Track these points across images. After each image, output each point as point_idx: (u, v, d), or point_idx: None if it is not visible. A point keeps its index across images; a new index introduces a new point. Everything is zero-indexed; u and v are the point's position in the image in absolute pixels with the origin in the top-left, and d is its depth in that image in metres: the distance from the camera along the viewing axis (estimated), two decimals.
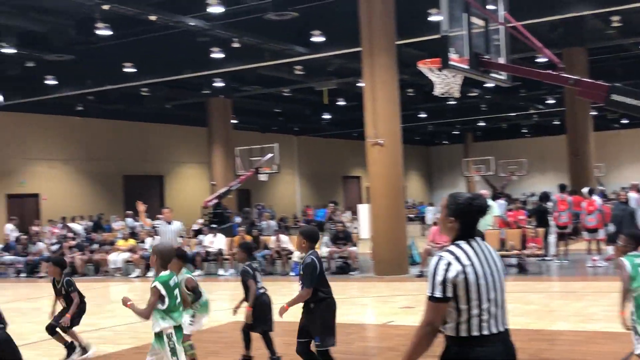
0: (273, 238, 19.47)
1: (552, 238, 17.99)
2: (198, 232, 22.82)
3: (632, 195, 16.39)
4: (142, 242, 20.85)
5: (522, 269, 16.07)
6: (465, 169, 47.31)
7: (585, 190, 18.56)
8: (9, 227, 26.71)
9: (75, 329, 9.51)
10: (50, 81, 25.58)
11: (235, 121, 35.21)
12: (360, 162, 27.65)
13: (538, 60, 24.75)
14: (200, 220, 25.22)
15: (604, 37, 26.40)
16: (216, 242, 19.79)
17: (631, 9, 20.53)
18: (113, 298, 16.71)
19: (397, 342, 9.68)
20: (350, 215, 29.57)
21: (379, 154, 16.79)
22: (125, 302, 6.12)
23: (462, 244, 3.63)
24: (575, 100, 25.00)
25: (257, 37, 21.38)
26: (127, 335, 10.14)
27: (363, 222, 21.21)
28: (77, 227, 26.96)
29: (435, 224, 16.90)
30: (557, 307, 11.42)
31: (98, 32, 19.89)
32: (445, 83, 7.41)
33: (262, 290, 8.18)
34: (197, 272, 19.33)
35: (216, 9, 18.91)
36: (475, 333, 3.53)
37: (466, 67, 6.76)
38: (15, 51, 21.84)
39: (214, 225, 21.61)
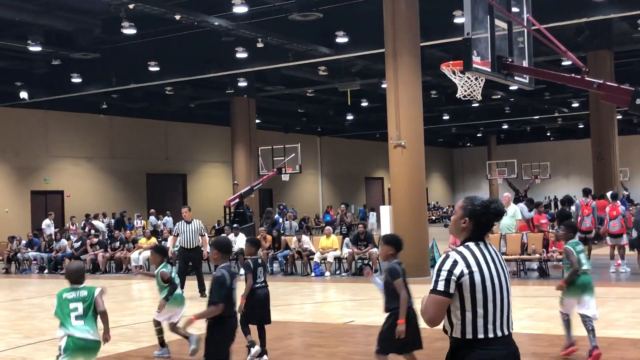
0: (294, 238, 19.48)
1: None
2: (220, 231, 22.87)
3: None
4: (165, 240, 20.96)
5: (543, 273, 15.95)
6: (488, 171, 47.08)
7: (608, 194, 18.36)
8: (47, 222, 27.07)
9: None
10: (76, 79, 25.84)
11: (258, 121, 35.32)
12: (383, 164, 27.76)
13: (564, 63, 24.58)
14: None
15: (630, 40, 26.16)
16: (238, 241, 19.84)
17: None
18: (134, 296, 16.84)
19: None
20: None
21: (402, 155, 16.74)
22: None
23: (471, 245, 3.67)
24: (600, 103, 24.78)
25: (281, 38, 21.43)
26: (147, 333, 10.19)
27: (385, 223, 21.15)
28: (100, 224, 27.20)
29: None
30: None
31: (123, 30, 20.05)
32: (467, 86, 7.37)
33: (258, 285, 8.36)
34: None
35: (241, 9, 18.98)
36: (480, 335, 3.56)
37: (488, 70, 6.71)
38: (41, 49, 22.07)
39: (236, 225, 21.65)
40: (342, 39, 21.61)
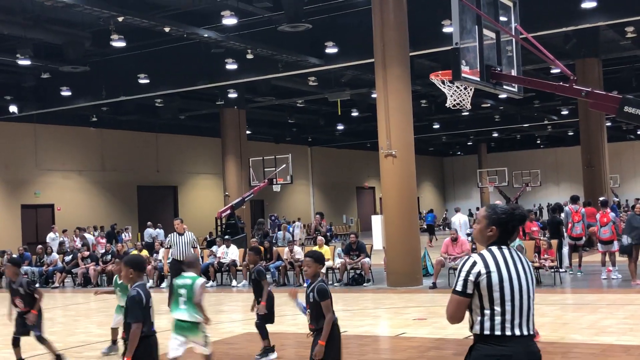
0: (286, 249, 19.47)
1: (566, 250, 17.88)
2: (211, 243, 22.83)
3: None
4: (156, 253, 20.92)
5: (535, 281, 15.97)
6: (479, 179, 47.21)
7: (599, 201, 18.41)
8: (51, 235, 26.95)
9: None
10: (65, 92, 25.80)
11: (248, 132, 35.35)
12: (374, 173, 27.75)
13: (553, 71, 24.71)
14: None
15: (618, 47, 26.32)
16: (229, 253, 19.81)
17: None
18: None
19: (410, 354, 9.64)
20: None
21: (392, 164, 16.77)
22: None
23: (494, 249, 3.86)
24: (589, 111, 24.91)
25: (271, 49, 21.48)
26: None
27: (376, 232, 21.18)
28: (90, 237, 27.10)
29: (454, 238, 16.79)
30: (571, 319, 11.34)
31: (113, 43, 20.05)
32: (457, 95, 7.40)
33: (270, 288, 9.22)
34: (210, 284, 19.36)
35: (230, 21, 19.03)
36: (497, 332, 3.73)
37: (477, 79, 6.75)
38: (30, 63, 22.04)
39: (227, 236, 21.62)
40: (331, 50, 21.68)
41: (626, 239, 15.07)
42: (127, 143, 36.27)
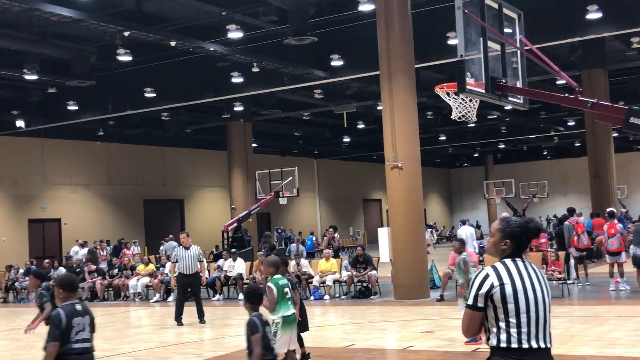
0: (293, 262, 19.42)
1: (572, 262, 17.80)
2: (218, 257, 22.80)
3: None
4: (163, 266, 20.91)
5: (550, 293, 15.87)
6: (486, 191, 47.11)
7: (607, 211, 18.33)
8: (75, 249, 27.00)
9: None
10: (72, 107, 25.89)
11: (255, 145, 35.39)
12: (380, 185, 27.75)
13: (559, 82, 24.69)
14: None
15: (624, 58, 26.29)
16: (236, 266, 19.78)
17: None
18: (133, 323, 16.75)
19: None
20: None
21: (399, 177, 16.74)
22: None
23: (508, 261, 3.86)
24: (595, 122, 24.81)
25: (277, 62, 21.54)
26: None
27: (383, 245, 21.12)
28: (83, 251, 26.88)
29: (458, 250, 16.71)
30: (579, 331, 11.26)
31: (119, 57, 20.13)
32: (462, 107, 7.39)
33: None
34: (217, 297, 19.32)
35: (236, 34, 19.10)
36: (514, 345, 3.72)
37: (482, 91, 6.74)
38: (37, 77, 22.14)
39: (234, 250, 21.60)
40: (337, 62, 21.72)
41: (634, 249, 14.97)
42: (133, 157, 36.35)
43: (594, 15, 18.24)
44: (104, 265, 23.40)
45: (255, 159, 33.78)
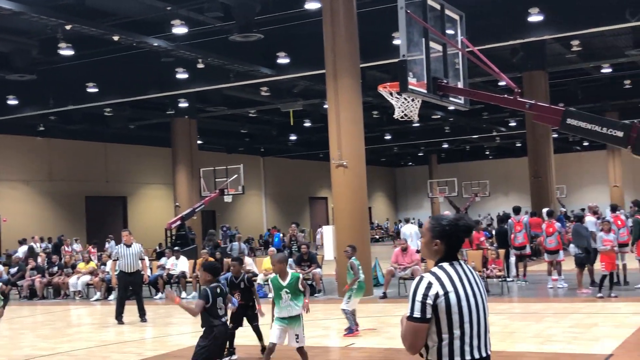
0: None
1: (513, 259, 18.16)
2: (161, 255, 22.55)
3: (590, 218, 16.59)
4: (104, 265, 20.58)
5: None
6: (429, 190, 47.68)
7: (544, 211, 18.75)
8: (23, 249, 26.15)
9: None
10: (12, 101, 25.32)
11: (200, 142, 35.10)
12: (327, 184, 27.74)
13: (501, 83, 25.10)
14: None
15: (564, 61, 26.89)
16: (179, 264, 19.60)
17: (591, 33, 20.97)
18: (73, 322, 16.45)
19: None
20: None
21: (344, 175, 16.81)
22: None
23: (446, 265, 3.55)
24: (536, 123, 25.36)
25: (222, 58, 21.40)
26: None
27: (327, 243, 21.08)
28: (23, 249, 26.19)
29: (404, 248, 16.87)
30: (518, 328, 11.48)
31: (61, 52, 19.76)
32: (404, 106, 7.46)
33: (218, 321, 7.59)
34: (159, 295, 19.11)
35: (180, 30, 18.92)
36: (457, 358, 3.45)
37: (424, 91, 6.82)
38: None
39: (177, 248, 21.40)
40: (283, 60, 21.70)
41: (574, 249, 15.34)
42: (75, 153, 35.68)
43: (535, 17, 18.61)
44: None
45: (201, 156, 33.50)
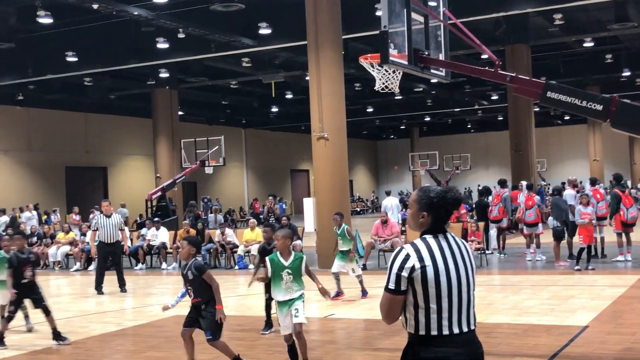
0: (218, 231, 19.33)
1: (493, 232, 18.29)
2: (141, 225, 22.49)
3: (569, 191, 16.71)
4: (84, 235, 20.50)
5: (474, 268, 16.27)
6: (411, 163, 47.78)
7: (523, 183, 18.80)
8: (27, 214, 25.98)
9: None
10: None
11: (181, 113, 34.85)
12: (308, 156, 27.74)
13: (483, 56, 25.05)
14: None
15: (546, 34, 26.87)
16: (159, 235, 19.57)
17: (573, 7, 20.93)
18: (52, 292, 16.40)
19: (338, 335, 9.73)
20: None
21: (325, 147, 16.80)
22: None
23: (429, 237, 3.50)
24: (517, 96, 25.40)
25: (203, 28, 21.18)
26: (64, 330, 9.95)
27: (308, 215, 21.18)
28: (4, 218, 26.02)
29: (384, 220, 16.92)
30: (496, 299, 11.61)
31: (39, 20, 19.48)
32: (385, 78, 7.43)
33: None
34: (140, 266, 19.10)
35: None
36: (434, 332, 3.40)
37: (405, 62, 6.79)
38: None
39: (157, 219, 21.35)
40: (265, 31, 21.52)
41: (553, 222, 15.47)
42: (54, 123, 35.33)
43: None
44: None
45: (182, 127, 33.28)
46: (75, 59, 23.58)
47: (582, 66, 33.52)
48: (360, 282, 12.28)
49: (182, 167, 27.97)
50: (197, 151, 27.31)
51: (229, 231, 19.30)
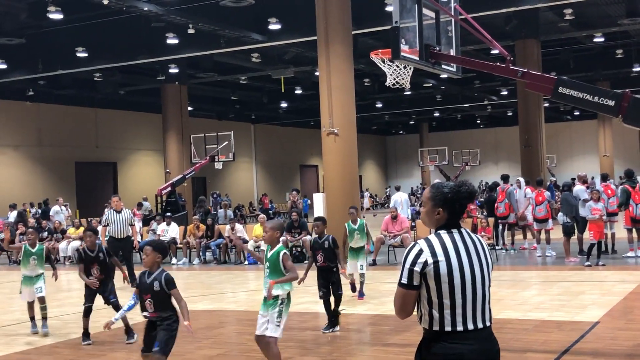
0: (228, 227, 19.37)
1: (500, 228, 18.26)
2: (148, 221, 22.53)
3: (579, 187, 16.64)
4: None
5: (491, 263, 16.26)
6: (420, 158, 47.73)
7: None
8: (56, 208, 26.08)
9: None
10: (1, 65, 25.04)
11: (190, 108, 34.91)
12: (317, 151, 27.87)
13: (493, 51, 24.99)
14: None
15: (557, 29, 26.78)
16: (169, 230, 19.62)
17: (584, 2, 20.87)
18: (63, 287, 16.47)
19: (347, 331, 9.74)
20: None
21: (334, 143, 16.81)
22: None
23: (443, 233, 3.50)
24: (527, 92, 25.33)
25: (213, 24, 21.21)
26: (75, 325, 10.00)
27: (318, 210, 21.07)
28: (13, 214, 26.16)
29: (394, 216, 16.92)
30: (506, 295, 11.59)
31: (50, 15, 19.53)
32: (396, 74, 7.43)
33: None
34: None
35: None
36: (447, 328, 3.39)
37: (416, 58, 6.79)
38: None
39: (168, 214, 21.40)
40: (274, 26, 21.52)
41: (563, 218, 15.42)
42: (65, 118, 35.45)
43: None
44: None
45: (191, 122, 33.34)
46: (86, 55, 23.65)
47: (592, 61, 33.39)
48: (362, 282, 11.96)
49: (191, 162, 28.01)
50: (207, 146, 27.34)
51: (238, 226, 19.33)
